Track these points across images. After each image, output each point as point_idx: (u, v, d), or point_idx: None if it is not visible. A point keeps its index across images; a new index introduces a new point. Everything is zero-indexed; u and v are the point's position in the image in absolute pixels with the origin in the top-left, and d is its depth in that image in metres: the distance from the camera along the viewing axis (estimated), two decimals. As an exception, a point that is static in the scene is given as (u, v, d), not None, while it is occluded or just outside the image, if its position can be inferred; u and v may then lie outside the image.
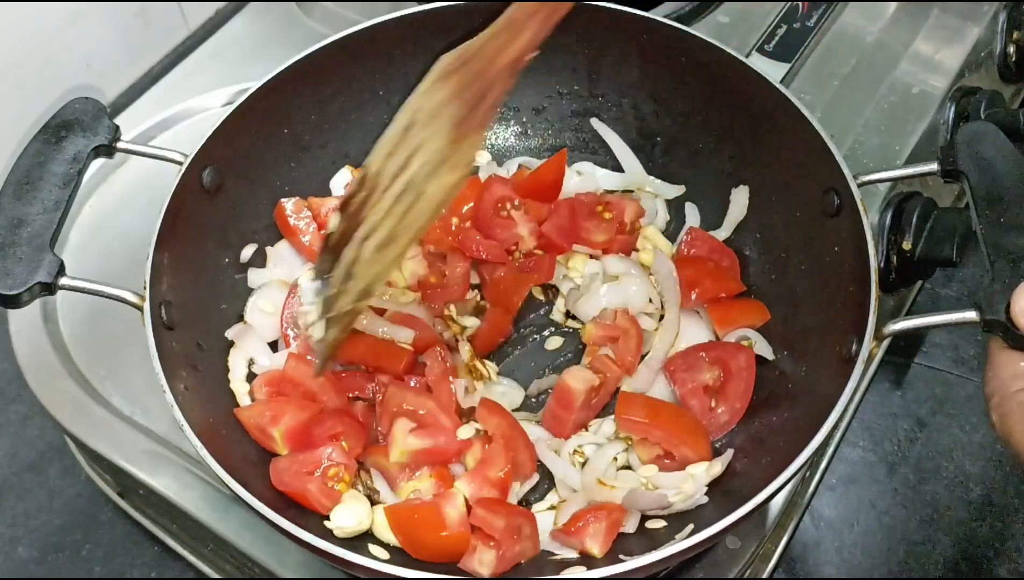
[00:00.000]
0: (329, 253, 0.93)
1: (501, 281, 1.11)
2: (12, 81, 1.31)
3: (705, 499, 0.94)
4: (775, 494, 0.83)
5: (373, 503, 0.96)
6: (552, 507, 0.98)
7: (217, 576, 1.13)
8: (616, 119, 1.21)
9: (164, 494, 1.04)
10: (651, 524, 0.94)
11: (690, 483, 0.95)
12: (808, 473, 1.13)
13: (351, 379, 1.03)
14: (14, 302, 0.88)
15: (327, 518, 0.93)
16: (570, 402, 1.00)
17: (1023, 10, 1.36)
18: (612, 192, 1.19)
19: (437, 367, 1.02)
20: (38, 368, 1.12)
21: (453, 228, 1.14)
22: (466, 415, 1.02)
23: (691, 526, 0.92)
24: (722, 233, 1.14)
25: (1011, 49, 1.36)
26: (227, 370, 1.03)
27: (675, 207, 1.18)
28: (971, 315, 0.82)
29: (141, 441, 1.07)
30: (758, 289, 1.09)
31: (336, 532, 0.91)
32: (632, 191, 1.19)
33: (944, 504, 1.17)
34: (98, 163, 1.16)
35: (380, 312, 1.06)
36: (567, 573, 0.88)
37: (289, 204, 1.12)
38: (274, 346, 1.08)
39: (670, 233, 1.17)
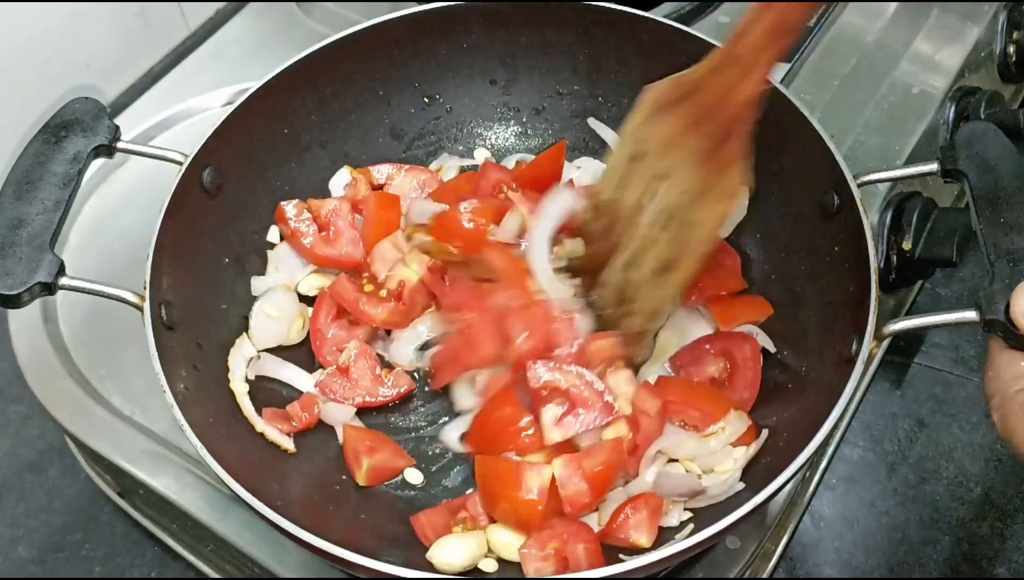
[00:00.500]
0: (585, 275, 1.02)
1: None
2: (12, 81, 1.31)
3: (741, 485, 0.93)
4: (775, 494, 0.83)
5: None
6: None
7: (217, 576, 1.13)
8: (616, 119, 1.21)
9: (164, 494, 1.04)
10: (663, 521, 0.94)
11: (731, 462, 0.95)
12: (808, 473, 1.13)
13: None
14: (14, 302, 0.88)
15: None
16: None
17: (1023, 10, 1.37)
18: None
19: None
20: (38, 368, 1.12)
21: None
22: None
23: (691, 526, 0.92)
24: (722, 232, 1.13)
25: (1011, 49, 1.36)
26: (227, 370, 1.03)
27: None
28: (971, 315, 0.82)
29: (141, 441, 1.07)
30: (758, 289, 1.09)
31: (440, 567, 0.91)
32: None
33: (944, 504, 1.17)
34: (98, 163, 1.16)
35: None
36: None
37: (290, 207, 1.12)
38: (274, 350, 1.08)
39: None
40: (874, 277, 0.90)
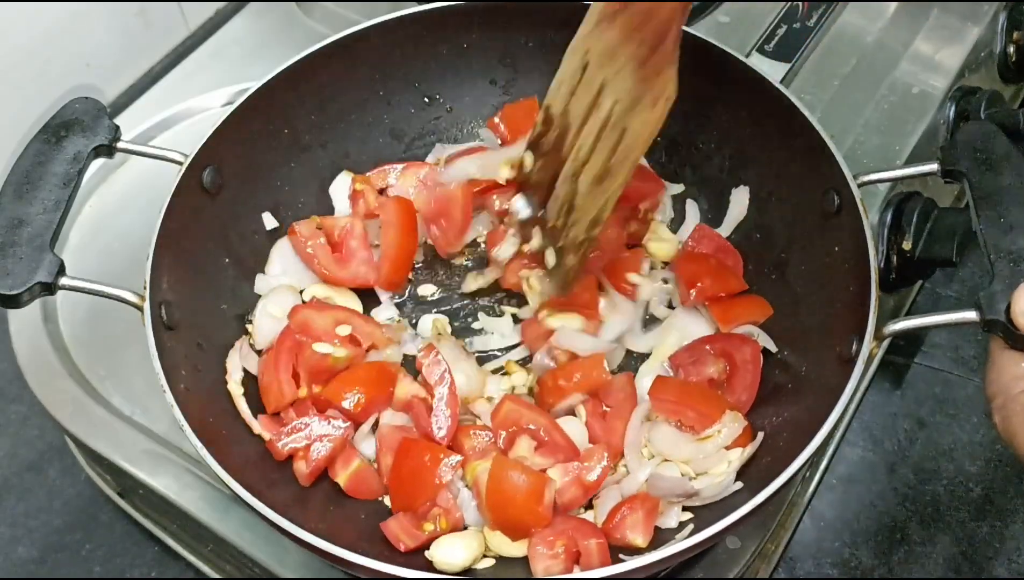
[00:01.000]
0: (532, 189, 1.03)
1: None
2: (12, 81, 1.31)
3: (739, 485, 0.93)
4: (775, 494, 0.83)
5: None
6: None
7: (217, 576, 1.13)
8: (616, 119, 1.21)
9: (164, 494, 1.04)
10: (661, 522, 0.94)
11: (725, 465, 0.95)
12: (808, 473, 1.13)
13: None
14: (14, 302, 0.88)
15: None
16: None
17: (1023, 10, 1.36)
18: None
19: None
20: (38, 368, 1.12)
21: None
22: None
23: (691, 526, 0.92)
24: (722, 232, 1.13)
25: (1011, 49, 1.36)
26: (226, 371, 1.03)
27: (677, 204, 1.18)
28: (971, 315, 0.82)
29: (141, 441, 1.07)
30: (758, 289, 1.09)
31: (440, 566, 0.91)
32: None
33: (944, 504, 1.17)
34: (98, 163, 1.16)
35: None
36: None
37: (302, 226, 1.11)
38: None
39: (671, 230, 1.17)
40: (874, 277, 0.90)
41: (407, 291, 1.14)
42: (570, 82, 0.97)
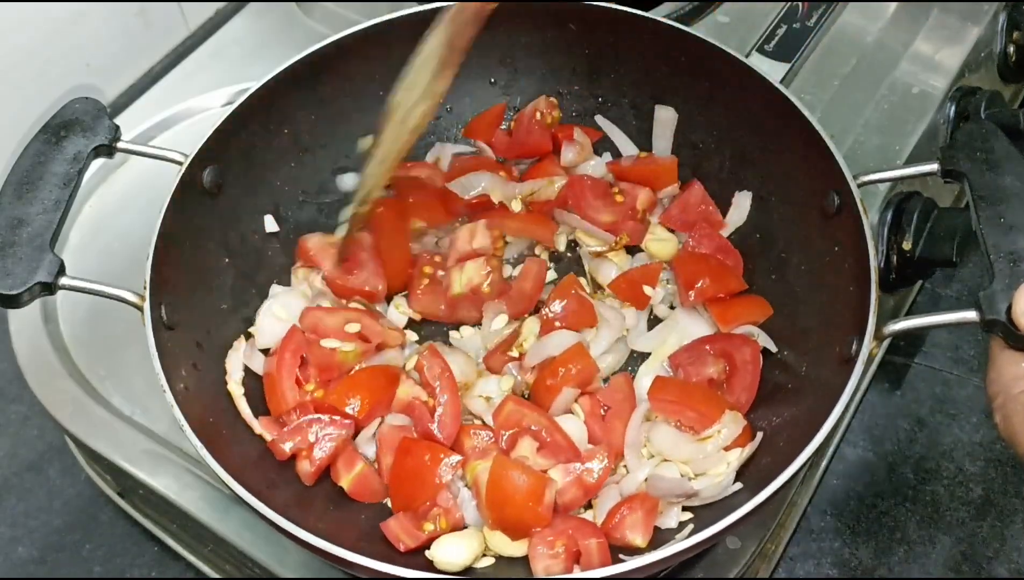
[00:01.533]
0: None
1: None
2: (12, 81, 1.31)
3: (738, 486, 0.93)
4: (775, 494, 0.83)
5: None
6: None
7: (217, 576, 1.13)
8: (616, 119, 1.21)
9: (164, 494, 1.04)
10: (660, 522, 0.94)
11: (724, 466, 0.95)
12: (808, 473, 1.13)
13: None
14: (14, 302, 0.88)
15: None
16: None
17: (1023, 10, 1.36)
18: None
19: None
20: (38, 368, 1.12)
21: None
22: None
23: (691, 526, 0.92)
24: (723, 233, 1.13)
25: (1011, 49, 1.36)
26: (226, 371, 1.03)
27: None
28: (971, 315, 0.82)
29: (141, 441, 1.07)
30: (758, 289, 1.09)
31: (441, 566, 0.91)
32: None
33: (944, 504, 1.17)
34: (98, 163, 1.16)
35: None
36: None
37: (312, 239, 1.11)
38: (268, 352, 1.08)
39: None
40: (874, 277, 0.90)
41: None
42: (409, 76, 1.03)
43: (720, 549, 0.99)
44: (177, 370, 0.92)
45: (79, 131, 0.97)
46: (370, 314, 1.08)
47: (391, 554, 0.91)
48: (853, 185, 0.95)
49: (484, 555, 0.94)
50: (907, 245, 1.13)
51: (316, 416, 0.98)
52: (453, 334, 1.11)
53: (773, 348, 1.03)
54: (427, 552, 0.92)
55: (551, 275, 1.14)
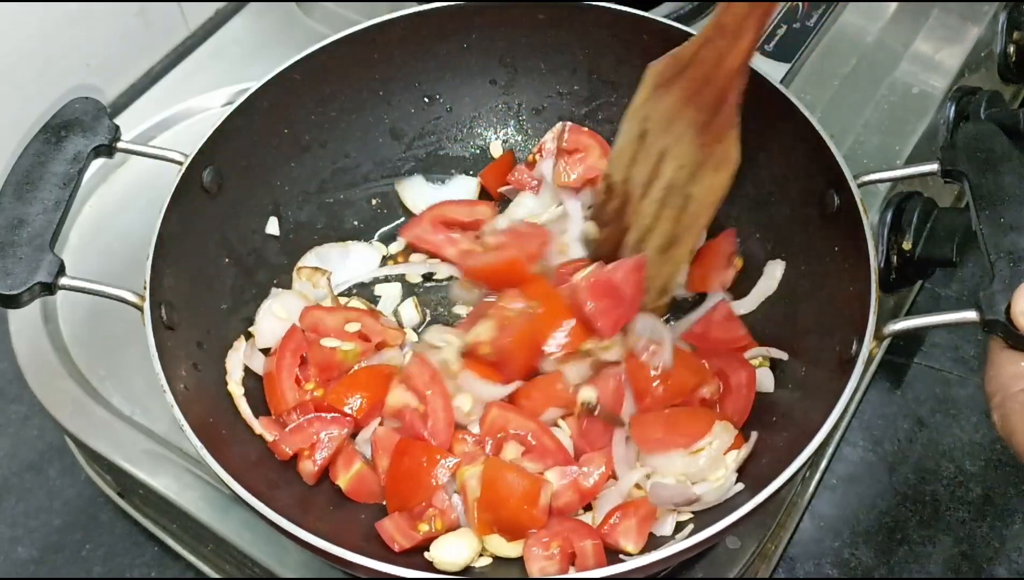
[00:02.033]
0: (600, 260, 1.02)
1: None
2: (12, 81, 1.31)
3: (740, 486, 0.92)
4: (775, 494, 0.83)
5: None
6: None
7: (217, 576, 1.13)
8: (616, 119, 1.20)
9: (164, 494, 1.04)
10: (655, 528, 0.94)
11: (722, 470, 0.94)
12: (808, 473, 1.13)
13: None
14: (14, 302, 0.88)
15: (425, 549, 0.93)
16: None
17: (1023, 10, 1.36)
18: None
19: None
20: (38, 368, 1.12)
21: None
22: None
23: (691, 526, 0.92)
24: (747, 305, 1.08)
25: (1011, 49, 1.36)
26: (226, 371, 1.03)
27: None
28: (971, 315, 0.82)
29: (141, 441, 1.07)
30: (758, 289, 1.09)
31: (441, 566, 0.91)
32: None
33: (944, 504, 1.17)
34: (98, 163, 1.16)
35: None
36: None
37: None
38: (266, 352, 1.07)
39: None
40: (874, 277, 0.90)
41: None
42: (630, 150, 0.97)
43: (720, 549, 0.99)
44: (177, 370, 0.92)
45: (79, 131, 0.97)
46: (370, 314, 1.08)
47: (391, 555, 0.91)
48: (853, 185, 0.95)
49: (481, 555, 0.93)
50: (907, 245, 1.13)
51: (317, 415, 0.98)
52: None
53: (771, 388, 1.01)
54: (426, 553, 0.92)
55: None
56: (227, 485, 0.84)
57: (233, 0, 1.55)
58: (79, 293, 0.91)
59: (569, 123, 1.19)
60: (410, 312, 1.13)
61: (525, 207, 1.18)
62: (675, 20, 1.15)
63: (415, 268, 1.16)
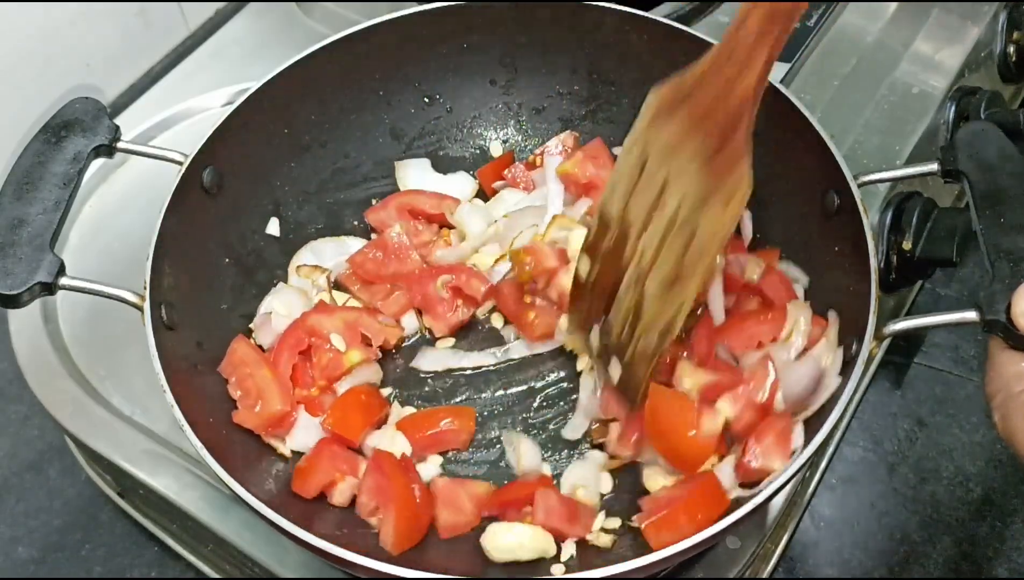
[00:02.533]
0: (587, 296, 0.97)
1: None
2: (12, 81, 1.31)
3: (838, 380, 0.91)
4: (775, 494, 0.83)
5: None
6: None
7: (217, 576, 1.13)
8: (616, 119, 1.21)
9: (164, 494, 1.04)
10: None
11: (826, 348, 0.93)
12: (808, 473, 1.13)
13: None
14: (14, 302, 0.88)
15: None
16: None
17: (1023, 10, 1.36)
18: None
19: None
20: (38, 368, 1.12)
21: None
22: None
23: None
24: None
25: (1011, 49, 1.36)
26: (227, 370, 1.03)
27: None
28: (971, 315, 0.82)
29: (141, 441, 1.07)
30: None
31: (492, 554, 0.91)
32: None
33: (944, 504, 1.17)
34: (98, 163, 1.16)
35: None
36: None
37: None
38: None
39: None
40: (874, 277, 0.90)
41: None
42: (627, 181, 0.89)
43: (720, 549, 0.99)
44: (177, 370, 0.92)
45: (79, 131, 0.98)
46: (369, 313, 1.08)
47: (391, 555, 0.91)
48: (853, 185, 0.95)
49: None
50: (907, 245, 1.13)
51: (326, 449, 0.97)
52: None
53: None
54: (480, 539, 0.91)
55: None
56: (227, 485, 0.84)
57: (233, 0, 1.55)
58: (79, 293, 0.91)
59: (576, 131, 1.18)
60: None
61: (507, 203, 1.17)
62: (675, 20, 1.15)
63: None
